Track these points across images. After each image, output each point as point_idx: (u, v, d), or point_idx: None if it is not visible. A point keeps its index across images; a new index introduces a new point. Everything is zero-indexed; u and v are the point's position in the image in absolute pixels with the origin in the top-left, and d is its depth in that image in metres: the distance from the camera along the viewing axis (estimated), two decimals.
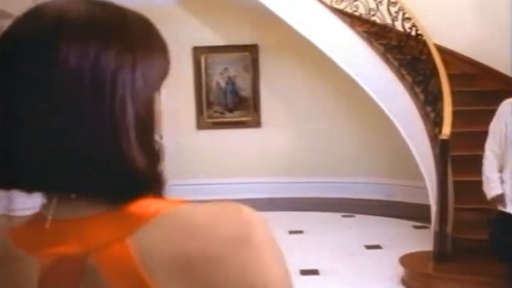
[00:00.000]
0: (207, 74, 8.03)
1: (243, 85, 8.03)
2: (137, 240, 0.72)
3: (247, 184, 7.87)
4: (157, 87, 0.81)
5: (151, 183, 0.78)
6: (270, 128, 8.01)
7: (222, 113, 8.08)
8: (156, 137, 0.81)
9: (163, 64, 0.82)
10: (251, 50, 7.90)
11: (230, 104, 8.06)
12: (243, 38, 7.83)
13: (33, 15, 0.76)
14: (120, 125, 0.74)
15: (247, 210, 0.75)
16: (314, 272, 5.23)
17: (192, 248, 0.71)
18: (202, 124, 8.10)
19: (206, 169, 8.04)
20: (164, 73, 0.83)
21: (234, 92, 8.05)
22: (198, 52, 7.97)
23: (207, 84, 8.05)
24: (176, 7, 7.86)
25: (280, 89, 7.99)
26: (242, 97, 8.04)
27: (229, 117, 8.07)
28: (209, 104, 8.07)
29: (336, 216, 7.30)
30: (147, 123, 0.78)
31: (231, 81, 8.03)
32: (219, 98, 8.07)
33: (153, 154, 0.79)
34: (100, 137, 0.73)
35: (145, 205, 0.75)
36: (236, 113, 8.07)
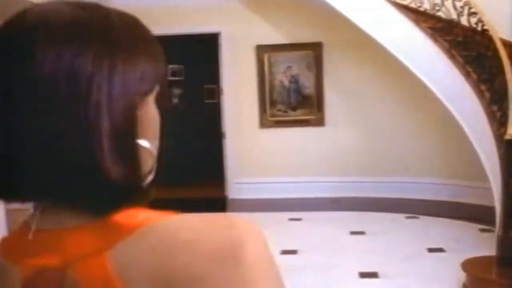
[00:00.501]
0: (270, 72, 8.01)
1: (307, 83, 7.96)
2: (117, 252, 0.70)
3: (309, 183, 7.82)
4: (143, 91, 0.79)
5: (132, 192, 0.76)
6: (333, 126, 7.90)
7: (285, 112, 8.04)
8: (144, 143, 0.79)
9: (151, 67, 0.80)
10: (315, 48, 7.81)
11: (293, 102, 8.01)
12: (307, 36, 7.76)
13: (18, 18, 0.76)
14: (94, 132, 0.72)
15: (240, 225, 0.72)
16: (373, 275, 5.12)
17: (176, 265, 0.68)
18: (265, 122, 8.08)
19: (269, 168, 8.03)
20: (153, 77, 0.80)
21: (298, 90, 7.99)
22: (261, 50, 7.96)
23: (270, 83, 8.03)
24: (240, 6, 7.88)
25: (344, 88, 7.87)
26: (305, 95, 7.98)
27: (292, 115, 8.02)
28: (272, 103, 8.05)
29: (399, 217, 7.14)
30: (127, 130, 0.75)
31: (294, 80, 7.98)
32: (282, 97, 8.03)
33: (134, 162, 0.76)
34: (73, 145, 0.71)
35: (131, 216, 0.73)
36: (299, 111, 8.01)
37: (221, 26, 7.93)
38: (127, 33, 0.79)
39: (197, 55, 9.72)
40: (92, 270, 0.70)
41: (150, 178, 0.81)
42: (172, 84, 10.45)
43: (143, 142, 0.78)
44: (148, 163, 0.81)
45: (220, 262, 0.68)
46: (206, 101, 10.21)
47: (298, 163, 7.95)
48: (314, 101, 7.93)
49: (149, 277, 0.68)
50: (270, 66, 8.00)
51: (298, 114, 8.00)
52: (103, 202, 0.73)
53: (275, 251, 5.66)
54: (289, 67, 7.97)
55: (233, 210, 7.80)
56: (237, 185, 8.13)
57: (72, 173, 0.72)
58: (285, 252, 5.72)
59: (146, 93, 0.79)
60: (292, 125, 8.00)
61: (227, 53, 8.03)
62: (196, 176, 9.51)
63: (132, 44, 0.78)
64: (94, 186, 0.72)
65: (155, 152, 0.83)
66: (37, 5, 0.76)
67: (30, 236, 0.75)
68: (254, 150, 8.08)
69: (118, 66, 0.75)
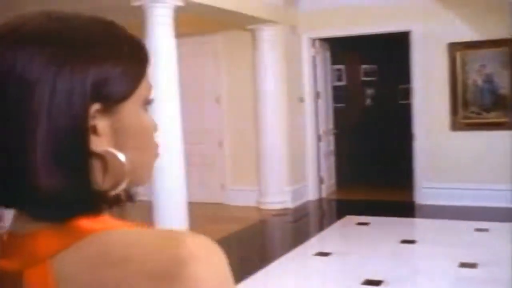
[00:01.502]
0: (463, 71, 7.54)
1: (501, 83, 7.36)
2: (59, 261, 0.70)
3: (500, 192, 7.23)
4: (106, 97, 0.76)
5: (81, 202, 0.74)
6: None
7: (478, 114, 7.52)
8: (120, 156, 0.77)
9: (119, 72, 0.77)
10: (511, 45, 7.19)
11: (487, 103, 7.46)
12: (501, 32, 7.17)
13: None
14: (29, 140, 0.71)
15: (189, 243, 0.68)
16: None
17: (107, 281, 0.68)
18: (456, 125, 7.63)
19: (458, 173, 7.58)
20: (124, 82, 0.78)
21: (492, 90, 7.42)
22: (454, 48, 7.52)
23: (463, 83, 7.56)
24: (431, 3, 7.53)
25: None
26: (499, 96, 7.38)
27: (486, 118, 7.47)
28: (465, 104, 7.58)
29: None
30: (72, 139, 0.73)
31: (488, 79, 7.42)
32: (476, 97, 7.52)
33: (79, 174, 0.74)
34: (9, 151, 0.72)
35: (83, 224, 0.73)
36: (493, 113, 7.43)
37: (412, 24, 7.66)
38: (89, 39, 0.77)
39: (390, 55, 9.48)
40: (36, 278, 0.70)
41: (120, 188, 0.78)
42: (365, 84, 10.33)
43: (119, 155, 0.77)
44: (117, 174, 0.78)
45: (158, 281, 0.66)
46: (401, 102, 9.92)
47: (490, 170, 7.39)
48: (509, 102, 7.30)
49: None
50: (463, 64, 7.54)
51: (491, 117, 7.43)
52: (45, 210, 0.73)
53: (453, 264, 5.45)
54: (482, 66, 7.43)
55: (420, 216, 7.51)
56: (426, 190, 7.80)
57: (6, 180, 0.72)
58: (463, 265, 5.35)
59: (116, 100, 0.77)
60: (484, 128, 7.46)
61: (418, 51, 7.75)
62: (384, 178, 9.29)
63: (93, 50, 0.76)
64: (28, 193, 0.72)
65: (142, 163, 0.81)
66: (26, 13, 0.79)
67: (4, 238, 0.77)
68: (444, 153, 7.68)
69: (65, 73, 0.73)
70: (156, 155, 0.87)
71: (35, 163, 0.71)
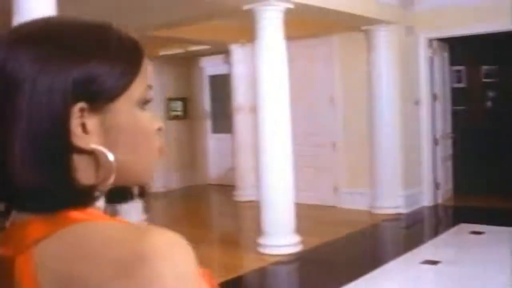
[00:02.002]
0: None
1: None
2: (42, 248, 0.73)
3: None
4: (94, 96, 0.77)
5: (59, 196, 0.76)
6: None
7: None
8: (109, 155, 0.79)
9: (106, 72, 0.78)
10: None
11: None
12: None
13: None
14: (9, 136, 0.75)
15: (153, 239, 0.69)
16: None
17: (75, 272, 0.69)
18: None
19: None
20: (113, 81, 0.79)
21: None
22: None
23: None
24: None
25: None
26: None
27: None
28: None
29: None
30: (51, 136, 0.75)
31: None
32: None
33: (60, 168, 0.76)
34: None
35: (70, 215, 0.75)
36: None
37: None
38: (76, 39, 0.79)
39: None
40: (23, 264, 0.74)
41: (108, 183, 0.80)
42: (485, 86, 9.85)
43: (108, 153, 0.79)
44: (106, 171, 0.79)
45: (119, 275, 0.67)
46: None
47: None
48: None
49: (56, 280, 0.71)
50: None
51: None
52: (28, 203, 0.76)
53: None
54: None
55: None
56: None
57: None
58: None
59: (104, 98, 0.78)
60: None
61: None
62: (504, 184, 8.76)
63: (78, 49, 0.78)
64: (10, 188, 0.76)
65: (135, 161, 0.83)
66: (35, 19, 0.83)
67: (7, 225, 0.81)
68: None
69: (47, 72, 0.75)
70: (155, 154, 0.86)
71: (14, 159, 0.74)
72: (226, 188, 10.35)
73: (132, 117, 0.82)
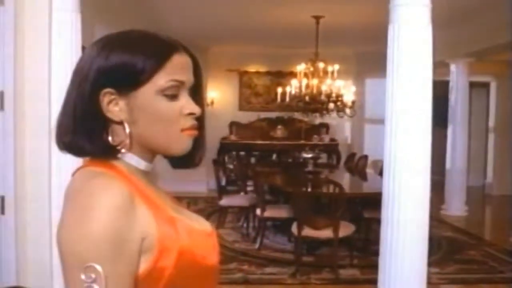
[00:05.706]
0: None
1: None
2: (75, 175, 1.02)
3: None
4: (121, 82, 0.96)
5: (96, 151, 1.00)
6: None
7: None
8: (125, 125, 0.99)
9: (127, 62, 0.96)
10: None
11: None
12: None
13: None
14: (67, 102, 0.99)
15: (95, 181, 0.94)
16: None
17: (66, 192, 0.98)
18: None
19: None
20: (134, 71, 0.96)
21: None
22: None
23: None
24: None
25: None
26: None
27: None
28: None
29: None
30: (87, 110, 0.97)
31: None
32: None
33: (93, 131, 0.98)
34: (62, 109, 1.01)
35: (91, 161, 1.02)
36: None
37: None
38: (122, 41, 0.98)
39: None
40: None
41: (125, 145, 1.00)
42: None
43: (126, 125, 0.99)
44: (119, 137, 1.00)
45: (68, 199, 0.95)
46: None
47: None
48: None
49: (64, 195, 0.98)
50: None
51: None
52: (77, 153, 1.01)
53: None
54: None
55: None
56: None
57: (60, 131, 1.02)
58: None
59: (128, 86, 0.97)
60: None
61: None
62: None
63: (122, 47, 0.97)
64: (68, 141, 1.00)
65: (154, 135, 1.00)
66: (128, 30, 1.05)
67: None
68: None
69: (95, 60, 0.96)
70: (175, 132, 1.01)
71: (67, 120, 1.00)
72: None
73: (151, 102, 0.98)
